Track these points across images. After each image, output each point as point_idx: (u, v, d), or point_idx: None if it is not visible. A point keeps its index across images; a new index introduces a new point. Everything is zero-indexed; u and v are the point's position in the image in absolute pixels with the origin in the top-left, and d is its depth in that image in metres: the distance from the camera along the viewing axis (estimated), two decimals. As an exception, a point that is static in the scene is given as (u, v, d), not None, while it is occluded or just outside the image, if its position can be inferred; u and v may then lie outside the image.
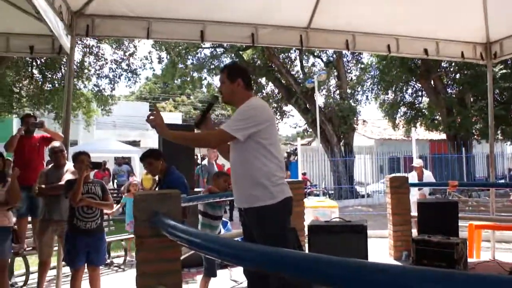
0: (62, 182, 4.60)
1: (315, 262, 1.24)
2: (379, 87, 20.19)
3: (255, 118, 2.86)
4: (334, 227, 5.00)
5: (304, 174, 16.30)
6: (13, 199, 4.29)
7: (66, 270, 4.97)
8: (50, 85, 14.59)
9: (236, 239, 5.25)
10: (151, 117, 2.80)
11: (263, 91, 20.73)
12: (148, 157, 4.70)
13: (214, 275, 4.67)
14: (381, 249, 6.46)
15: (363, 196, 17.17)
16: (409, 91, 20.82)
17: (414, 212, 6.37)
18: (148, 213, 2.40)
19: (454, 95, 18.73)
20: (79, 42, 13.58)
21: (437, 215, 5.67)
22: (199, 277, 5.00)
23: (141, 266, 2.44)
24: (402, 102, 20.38)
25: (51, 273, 5.35)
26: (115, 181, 15.60)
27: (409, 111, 20.24)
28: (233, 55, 19.10)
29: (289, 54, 19.31)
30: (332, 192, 17.41)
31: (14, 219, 4.67)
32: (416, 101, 20.74)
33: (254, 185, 2.87)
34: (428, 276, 1.01)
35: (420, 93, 20.56)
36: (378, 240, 7.24)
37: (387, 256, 6.22)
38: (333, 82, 19.77)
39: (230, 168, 3.08)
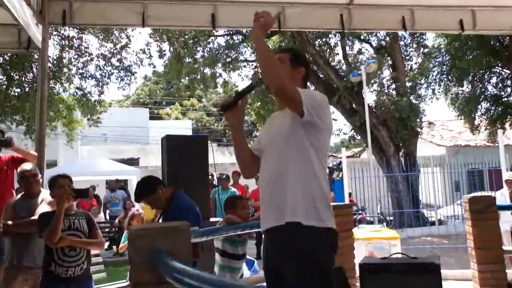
0: (35, 217, 4.63)
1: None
2: (450, 77, 19.90)
3: (325, 112, 2.91)
4: (395, 266, 4.91)
5: (349, 195, 16.22)
6: None
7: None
8: (18, 90, 14.90)
9: (264, 284, 5.21)
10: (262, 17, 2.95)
11: (295, 87, 20.76)
12: (142, 197, 4.78)
13: None
14: (462, 296, 6.29)
15: (433, 223, 16.89)
16: (493, 80, 20.45)
17: (508, 246, 6.19)
18: (148, 253, 2.37)
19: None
20: (54, 32, 13.85)
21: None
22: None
23: (140, 323, 2.42)
24: (483, 96, 20.01)
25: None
26: (107, 211, 15.77)
27: (493, 107, 19.84)
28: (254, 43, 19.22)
29: (328, 39, 19.31)
30: (391, 218, 17.20)
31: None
32: (503, 93, 20.33)
33: (301, 195, 2.79)
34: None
35: (508, 83, 20.14)
36: (457, 284, 7.06)
37: (471, 305, 6.05)
38: (386, 73, 19.65)
39: (264, 175, 2.99)
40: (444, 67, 19.97)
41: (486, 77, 20.07)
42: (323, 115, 2.85)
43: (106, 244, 12.71)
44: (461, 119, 21.30)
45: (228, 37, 19.50)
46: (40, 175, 5.21)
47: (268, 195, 2.93)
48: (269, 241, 2.96)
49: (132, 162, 25.33)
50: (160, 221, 4.87)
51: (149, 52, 18.96)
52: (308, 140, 2.84)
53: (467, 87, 20.14)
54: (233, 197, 5.80)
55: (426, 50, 20.51)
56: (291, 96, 2.80)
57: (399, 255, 5.60)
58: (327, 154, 3.02)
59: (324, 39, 19.11)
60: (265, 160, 3.01)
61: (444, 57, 19.83)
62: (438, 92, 20.79)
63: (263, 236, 3.07)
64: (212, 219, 6.87)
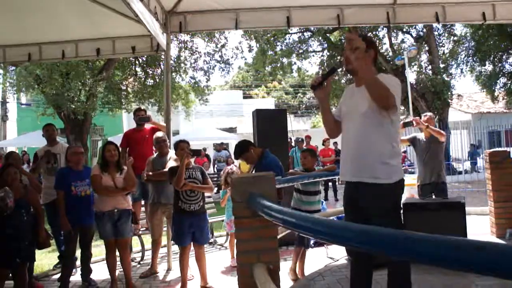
0: (166, 169, 4.86)
1: (405, 240, 1.19)
2: (474, 58, 18.69)
3: (399, 95, 2.78)
4: (430, 205, 4.77)
5: (404, 152, 15.95)
6: (130, 185, 4.66)
7: (175, 248, 5.29)
8: (152, 81, 15.37)
9: (331, 218, 5.22)
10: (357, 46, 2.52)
11: (353, 71, 20.11)
12: (239, 156, 4.90)
13: (305, 246, 4.72)
14: (482, 227, 6.04)
15: (460, 173, 16.17)
16: (510, 60, 18.99)
17: (519, 189, 5.87)
18: (245, 195, 2.46)
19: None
20: (174, 38, 14.14)
21: (545, 190, 5.18)
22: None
23: (241, 244, 2.52)
24: (501, 73, 18.69)
25: (162, 251, 5.72)
26: (215, 166, 16.14)
27: (510, 82, 18.53)
28: (320, 38, 18.79)
29: (377, 32, 18.53)
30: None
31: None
32: (518, 70, 18.93)
33: (382, 160, 2.74)
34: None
35: (522, 62, 18.71)
36: (478, 218, 6.79)
37: (488, 234, 5.82)
38: (424, 57, 18.71)
39: (347, 138, 2.89)
40: (470, 51, 18.76)
41: (504, 57, 18.69)
42: (399, 97, 2.75)
43: (215, 189, 13.08)
44: (483, 91, 20.03)
45: (300, 34, 19.15)
46: (168, 140, 5.43)
47: (351, 155, 2.85)
48: (351, 190, 2.91)
49: (231, 130, 25.70)
50: (253, 172, 4.95)
51: (241, 48, 19.06)
52: (385, 115, 2.72)
53: (488, 66, 18.84)
54: (307, 149, 5.73)
55: (455, 38, 19.34)
56: (393, 107, 2.67)
57: (434, 197, 5.43)
58: (399, 121, 2.93)
59: (374, 32, 18.35)
60: (348, 126, 2.89)
61: (470, 43, 18.61)
62: (465, 71, 19.56)
63: (344, 182, 3.03)
64: (291, 171, 6.91)
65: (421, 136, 5.90)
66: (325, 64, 19.05)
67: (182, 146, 4.65)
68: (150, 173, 5.13)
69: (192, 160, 4.95)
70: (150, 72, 15.29)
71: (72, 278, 4.88)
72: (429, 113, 6.35)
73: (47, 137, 5.76)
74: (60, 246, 5.34)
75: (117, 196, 4.60)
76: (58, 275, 4.97)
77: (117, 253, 4.68)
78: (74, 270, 5.11)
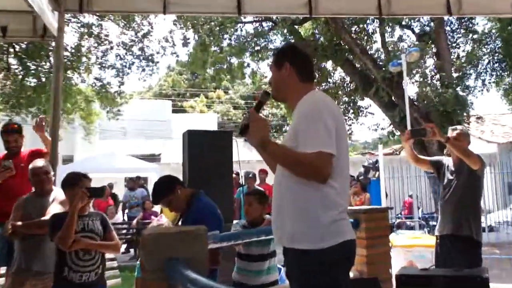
0: (47, 217, 4.67)
1: None
2: (503, 65, 19.44)
3: (327, 123, 2.79)
4: (437, 279, 4.81)
5: (410, 196, 16.22)
6: None
7: None
8: (35, 80, 15.09)
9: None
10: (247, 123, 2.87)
11: (328, 80, 20.43)
12: (160, 199, 4.79)
13: None
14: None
15: (482, 230, 16.68)
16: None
17: None
18: (161, 260, 2.39)
19: None
20: (72, 20, 13.99)
21: None
22: None
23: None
24: (541, 86, 19.58)
25: None
26: (126, 211, 15.89)
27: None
28: (285, 30, 19.11)
29: (365, 25, 19.12)
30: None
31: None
32: None
33: (301, 216, 2.77)
34: None
35: None
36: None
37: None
38: (430, 62, 19.39)
39: (272, 190, 3.06)
40: (497, 54, 19.52)
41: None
42: (334, 135, 2.77)
43: (123, 247, 12.81)
44: (514, 112, 20.93)
45: (258, 24, 19.45)
46: (51, 173, 5.23)
47: (272, 209, 2.98)
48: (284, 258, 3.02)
49: (153, 158, 25.59)
50: (180, 224, 4.85)
51: (173, 41, 19.04)
52: None
53: (522, 76, 19.71)
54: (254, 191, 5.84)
55: (475, 36, 20.06)
56: (328, 167, 2.72)
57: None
58: (341, 152, 2.85)
59: (361, 25, 18.88)
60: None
61: (496, 43, 19.39)
62: (489, 83, 20.35)
63: None
64: (235, 221, 6.87)
65: (449, 161, 5.75)
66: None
67: (82, 184, 4.50)
68: (19, 222, 4.89)
69: (90, 203, 4.80)
70: (32, 67, 15.00)
71: None
72: (460, 127, 6.18)
73: None
74: None
75: None
76: None
77: None
78: None
